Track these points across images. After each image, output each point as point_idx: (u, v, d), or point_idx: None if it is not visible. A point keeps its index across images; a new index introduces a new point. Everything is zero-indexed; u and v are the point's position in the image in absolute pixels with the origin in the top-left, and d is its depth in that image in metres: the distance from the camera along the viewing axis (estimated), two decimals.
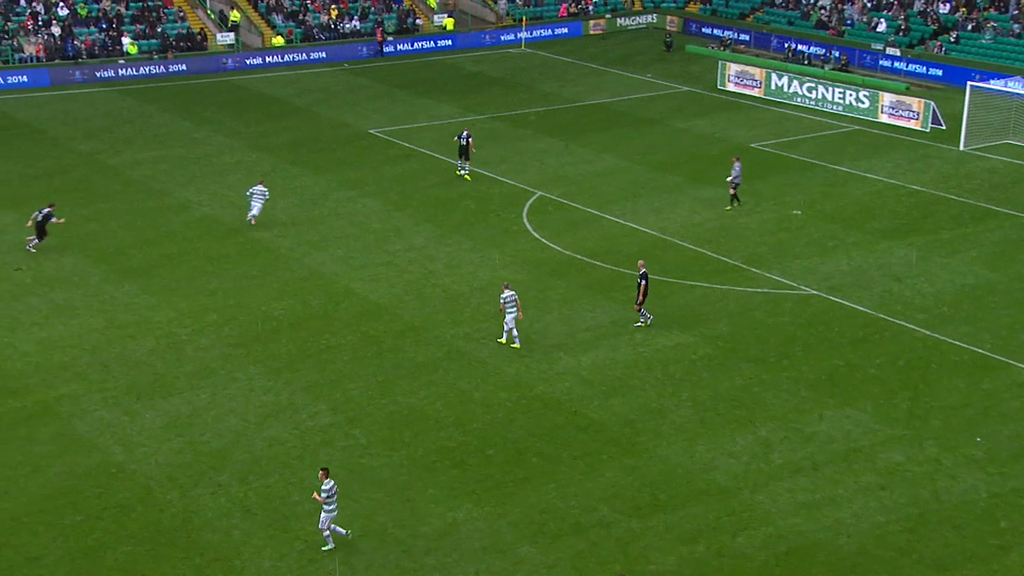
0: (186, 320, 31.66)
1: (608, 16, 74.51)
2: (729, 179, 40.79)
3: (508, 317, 30.02)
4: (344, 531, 22.32)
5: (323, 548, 22.04)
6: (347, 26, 68.25)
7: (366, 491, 23.88)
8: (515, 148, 48.66)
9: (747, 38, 68.85)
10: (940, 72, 59.58)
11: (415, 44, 68.27)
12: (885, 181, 43.88)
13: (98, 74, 59.88)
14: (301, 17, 68.00)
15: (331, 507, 21.94)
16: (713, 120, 53.32)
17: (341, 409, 27.08)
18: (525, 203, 41.51)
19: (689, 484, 24.20)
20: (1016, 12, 61.76)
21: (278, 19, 67.51)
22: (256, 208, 38.57)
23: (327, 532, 22.08)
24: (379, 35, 67.11)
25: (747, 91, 57.84)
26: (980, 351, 29.77)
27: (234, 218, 39.77)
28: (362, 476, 24.39)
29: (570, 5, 74.42)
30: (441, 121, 52.67)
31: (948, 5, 64.48)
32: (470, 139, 44.10)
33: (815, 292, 33.77)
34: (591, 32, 73.28)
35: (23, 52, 60.07)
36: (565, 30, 72.63)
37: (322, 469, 22.26)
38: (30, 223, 36.30)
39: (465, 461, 25.02)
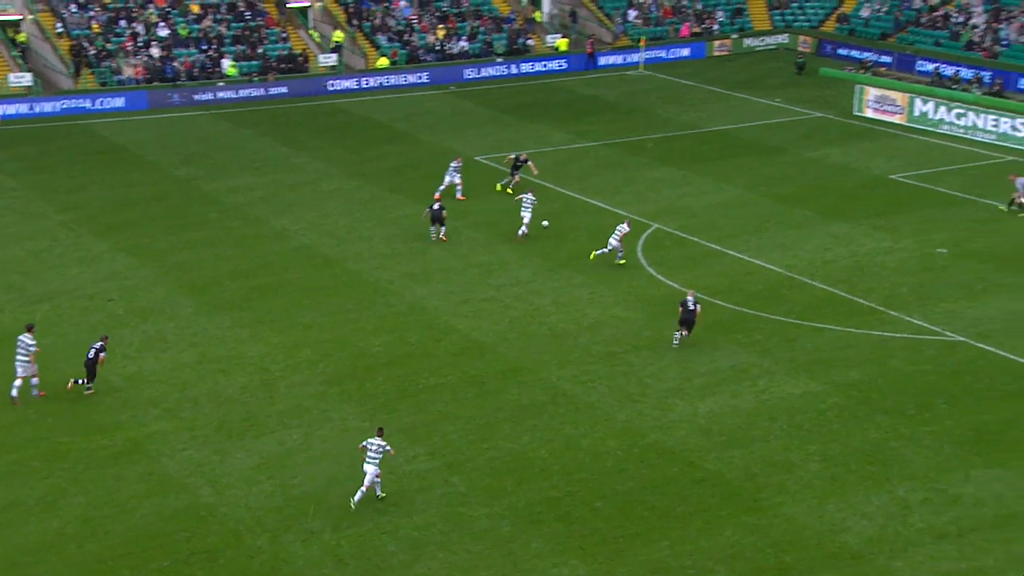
0: (279, 356, 32.40)
1: (734, 36, 74.27)
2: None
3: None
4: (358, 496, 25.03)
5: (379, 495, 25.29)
6: (455, 47, 69.44)
7: (465, 543, 24.01)
8: (630, 177, 48.72)
9: (889, 60, 67.82)
10: None
11: (525, 66, 69.04)
12: None
13: (196, 97, 62.03)
14: (407, 38, 69.47)
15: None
16: (848, 149, 52.57)
17: (439, 454, 27.33)
18: (640, 236, 41.47)
19: (818, 547, 23.73)
20: None
21: (383, 40, 69.07)
22: None
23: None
24: (589, 47, 69.59)
25: (887, 118, 56.90)
26: None
27: (332, 248, 40.64)
28: (461, 527, 24.55)
29: (693, 25, 74.44)
30: (551, 148, 53.05)
31: None
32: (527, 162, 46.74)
33: (962, 339, 32.90)
34: (715, 53, 73.12)
35: (121, 74, 62.62)
36: (687, 51, 72.62)
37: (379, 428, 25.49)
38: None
39: (571, 513, 24.99)
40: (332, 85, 64.98)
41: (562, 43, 71.63)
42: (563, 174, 48.55)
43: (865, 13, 73.58)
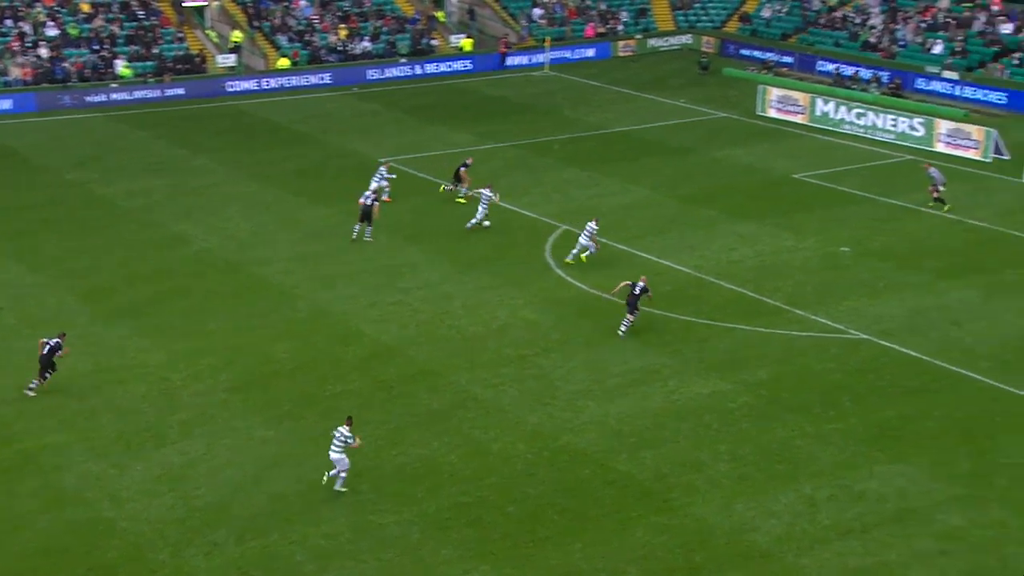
0: (180, 364, 31.89)
1: (639, 37, 75.11)
2: (940, 185, 43.81)
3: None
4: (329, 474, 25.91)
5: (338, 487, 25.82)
6: (358, 47, 69.07)
7: (375, 551, 23.91)
8: (538, 179, 48.96)
9: (790, 60, 69.19)
10: (1003, 97, 59.61)
11: (429, 66, 68.97)
12: (942, 216, 43.87)
13: (88, 99, 60.69)
14: (308, 38, 68.90)
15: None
16: (752, 149, 53.52)
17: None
18: (548, 238, 41.72)
19: (727, 546, 24.11)
20: None
21: (283, 40, 68.39)
22: None
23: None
24: (503, 46, 69.85)
25: (790, 117, 58.06)
26: None
27: (234, 253, 40.14)
28: (370, 534, 24.43)
29: (598, 25, 75.09)
30: (457, 149, 53.08)
31: (1012, 25, 64.58)
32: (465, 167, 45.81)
33: (865, 336, 33.71)
34: (620, 54, 73.86)
35: (8, 76, 61.01)
36: (592, 52, 73.23)
37: (349, 417, 26.20)
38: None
39: (482, 518, 25.04)
40: (231, 86, 64.14)
41: (467, 43, 71.69)
42: (470, 176, 48.56)
43: (767, 13, 74.97)
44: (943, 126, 52.93)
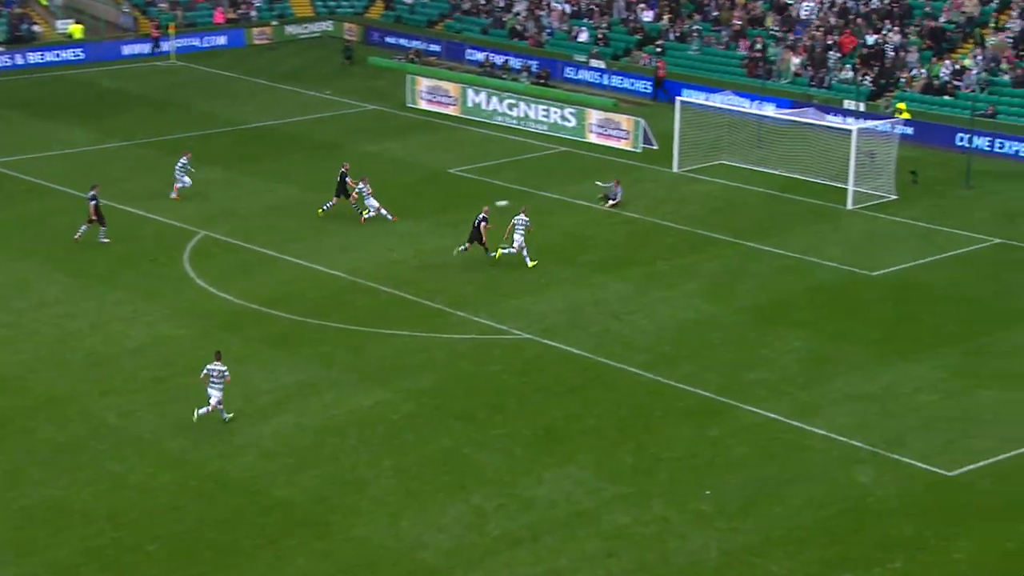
0: None
1: (275, 23, 74.52)
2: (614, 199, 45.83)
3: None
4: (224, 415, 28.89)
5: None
6: None
7: None
8: (170, 179, 47.61)
9: (438, 49, 70.77)
10: (648, 86, 63.50)
11: (33, 56, 65.72)
12: (597, 208, 46.27)
13: None
14: None
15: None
16: (405, 143, 54.41)
17: None
18: (186, 245, 40.77)
19: (394, 567, 24.42)
20: (716, 14, 66.61)
21: None
22: None
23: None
24: (154, 31, 67.38)
25: (442, 109, 59.41)
26: (705, 393, 31.83)
27: None
28: None
29: (227, 10, 73.81)
30: (74, 149, 50.90)
31: (652, 12, 68.97)
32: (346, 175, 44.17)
33: (528, 336, 35.07)
34: (255, 42, 73.04)
35: None
36: (223, 40, 71.97)
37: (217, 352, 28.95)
38: None
39: (119, 561, 24.16)
40: None
41: (76, 29, 68.75)
42: (91, 178, 46.58)
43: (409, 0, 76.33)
44: (594, 116, 55.79)
